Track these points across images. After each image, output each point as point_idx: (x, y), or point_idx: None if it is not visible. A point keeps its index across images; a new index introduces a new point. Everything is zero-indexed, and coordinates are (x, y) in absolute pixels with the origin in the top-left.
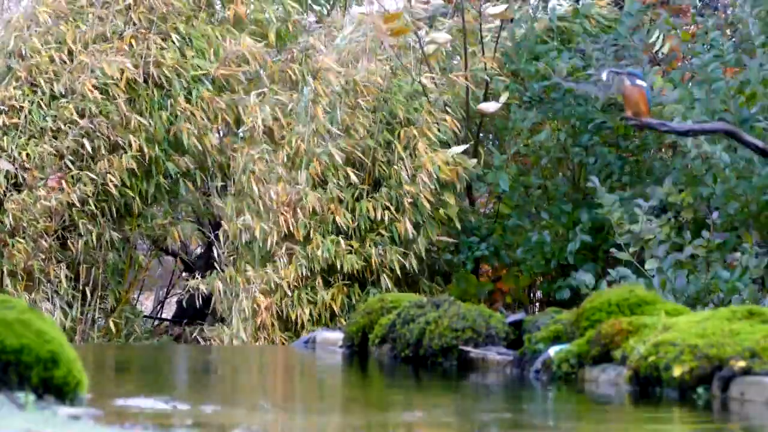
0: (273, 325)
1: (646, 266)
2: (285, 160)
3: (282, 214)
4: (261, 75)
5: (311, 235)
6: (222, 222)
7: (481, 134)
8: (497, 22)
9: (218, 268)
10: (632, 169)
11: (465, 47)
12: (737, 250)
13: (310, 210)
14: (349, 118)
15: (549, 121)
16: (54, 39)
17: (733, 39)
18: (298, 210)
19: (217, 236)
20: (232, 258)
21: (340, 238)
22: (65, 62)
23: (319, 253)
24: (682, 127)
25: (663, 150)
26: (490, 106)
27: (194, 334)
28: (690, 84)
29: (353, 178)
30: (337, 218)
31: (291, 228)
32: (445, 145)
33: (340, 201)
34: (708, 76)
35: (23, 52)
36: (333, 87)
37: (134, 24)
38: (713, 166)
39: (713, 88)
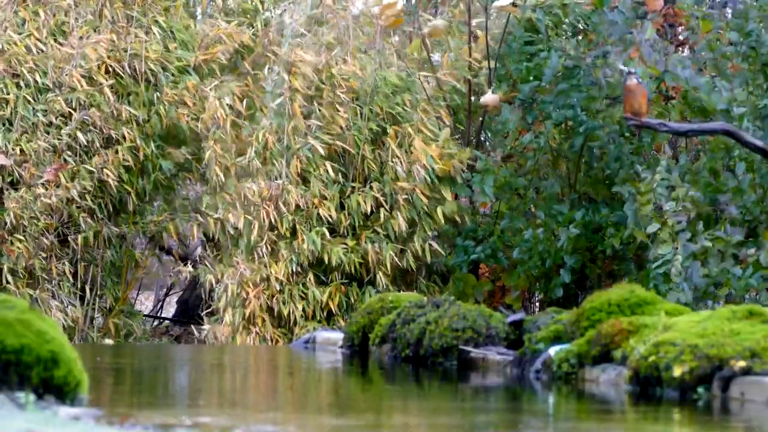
0: (264, 320)
1: (659, 251)
2: (253, 155)
3: (264, 208)
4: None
5: (297, 230)
6: (199, 216)
7: (482, 133)
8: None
9: (206, 262)
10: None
11: (470, 40)
12: (753, 246)
13: (294, 206)
14: (327, 112)
15: (541, 123)
16: (11, 26)
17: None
18: (281, 205)
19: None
20: (223, 251)
21: (324, 229)
22: (42, 51)
23: (304, 246)
24: (681, 127)
25: (662, 150)
26: (488, 99)
27: (189, 332)
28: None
29: (339, 173)
30: (321, 211)
31: (274, 222)
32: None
33: (325, 197)
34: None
35: (0, 45)
36: (310, 80)
37: (108, 18)
38: (725, 158)
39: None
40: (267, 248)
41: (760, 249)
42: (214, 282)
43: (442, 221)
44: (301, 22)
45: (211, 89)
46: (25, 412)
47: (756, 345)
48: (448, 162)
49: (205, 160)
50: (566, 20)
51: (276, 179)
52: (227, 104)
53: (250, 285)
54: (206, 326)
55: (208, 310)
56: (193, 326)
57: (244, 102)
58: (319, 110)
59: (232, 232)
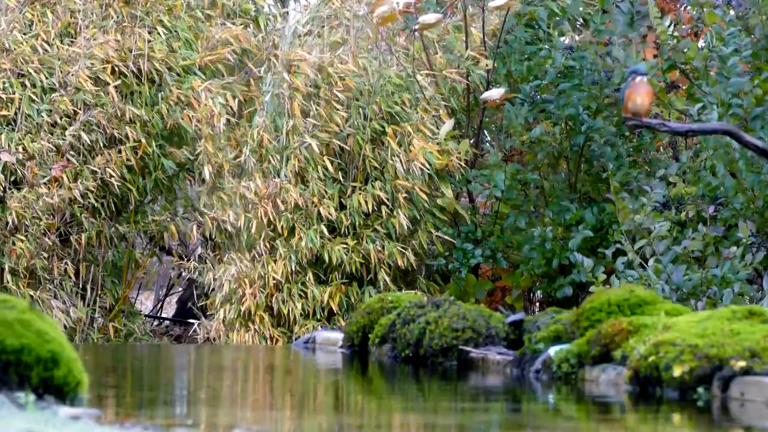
0: (262, 318)
1: (649, 263)
2: (248, 153)
3: (262, 207)
4: (246, 63)
5: (295, 229)
6: (198, 215)
7: (483, 130)
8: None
9: (206, 261)
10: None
11: (467, 39)
12: (736, 244)
13: (293, 204)
14: (325, 111)
15: (543, 121)
16: (18, 26)
17: (752, 36)
18: (279, 203)
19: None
20: (221, 250)
21: (323, 226)
22: (47, 51)
23: (302, 244)
24: (681, 128)
25: (661, 150)
26: (493, 94)
27: (189, 332)
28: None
29: (339, 172)
30: (322, 210)
31: (272, 220)
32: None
33: (323, 196)
34: (728, 71)
35: (6, 45)
36: (310, 79)
37: (113, 17)
38: (729, 155)
39: (731, 82)
40: (265, 246)
41: (740, 245)
42: (212, 279)
43: (443, 217)
44: (303, 22)
45: (202, 89)
46: (25, 412)
47: (756, 345)
48: (446, 158)
49: (199, 159)
50: (566, 17)
51: (273, 177)
52: (220, 103)
53: (246, 282)
54: (197, 323)
55: (200, 305)
56: (182, 324)
57: (236, 101)
58: (317, 109)
59: (229, 230)
